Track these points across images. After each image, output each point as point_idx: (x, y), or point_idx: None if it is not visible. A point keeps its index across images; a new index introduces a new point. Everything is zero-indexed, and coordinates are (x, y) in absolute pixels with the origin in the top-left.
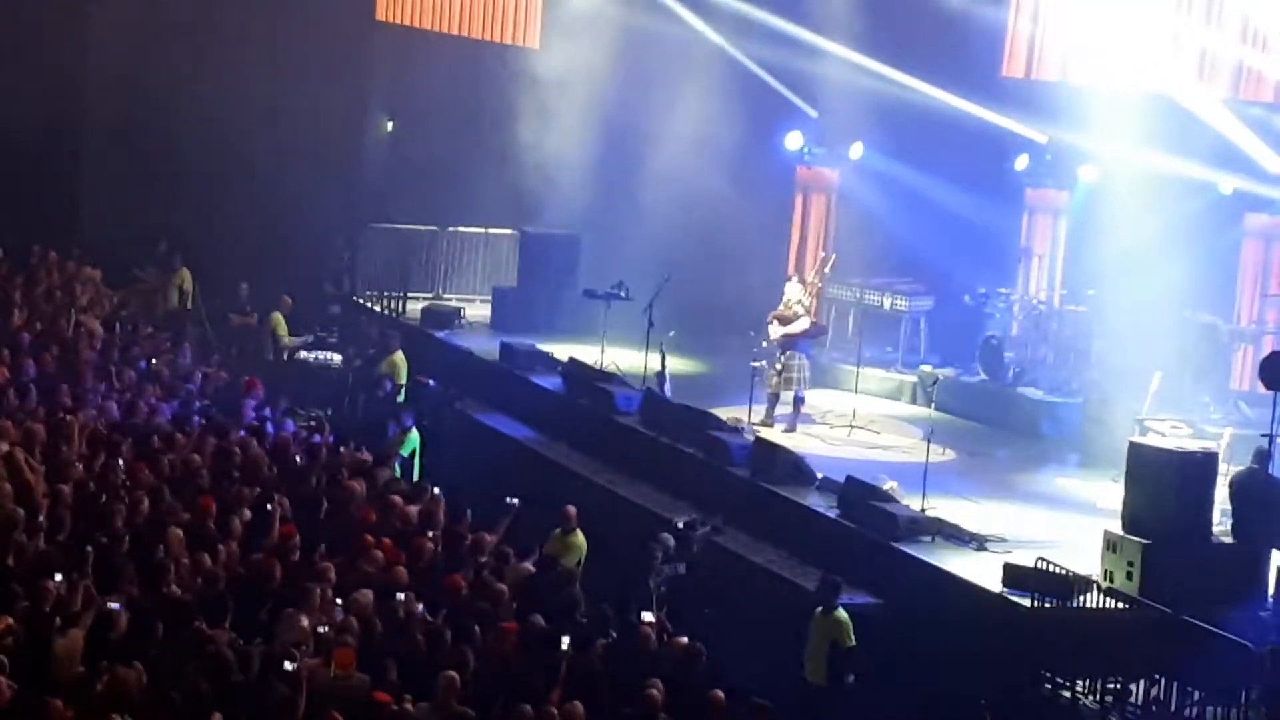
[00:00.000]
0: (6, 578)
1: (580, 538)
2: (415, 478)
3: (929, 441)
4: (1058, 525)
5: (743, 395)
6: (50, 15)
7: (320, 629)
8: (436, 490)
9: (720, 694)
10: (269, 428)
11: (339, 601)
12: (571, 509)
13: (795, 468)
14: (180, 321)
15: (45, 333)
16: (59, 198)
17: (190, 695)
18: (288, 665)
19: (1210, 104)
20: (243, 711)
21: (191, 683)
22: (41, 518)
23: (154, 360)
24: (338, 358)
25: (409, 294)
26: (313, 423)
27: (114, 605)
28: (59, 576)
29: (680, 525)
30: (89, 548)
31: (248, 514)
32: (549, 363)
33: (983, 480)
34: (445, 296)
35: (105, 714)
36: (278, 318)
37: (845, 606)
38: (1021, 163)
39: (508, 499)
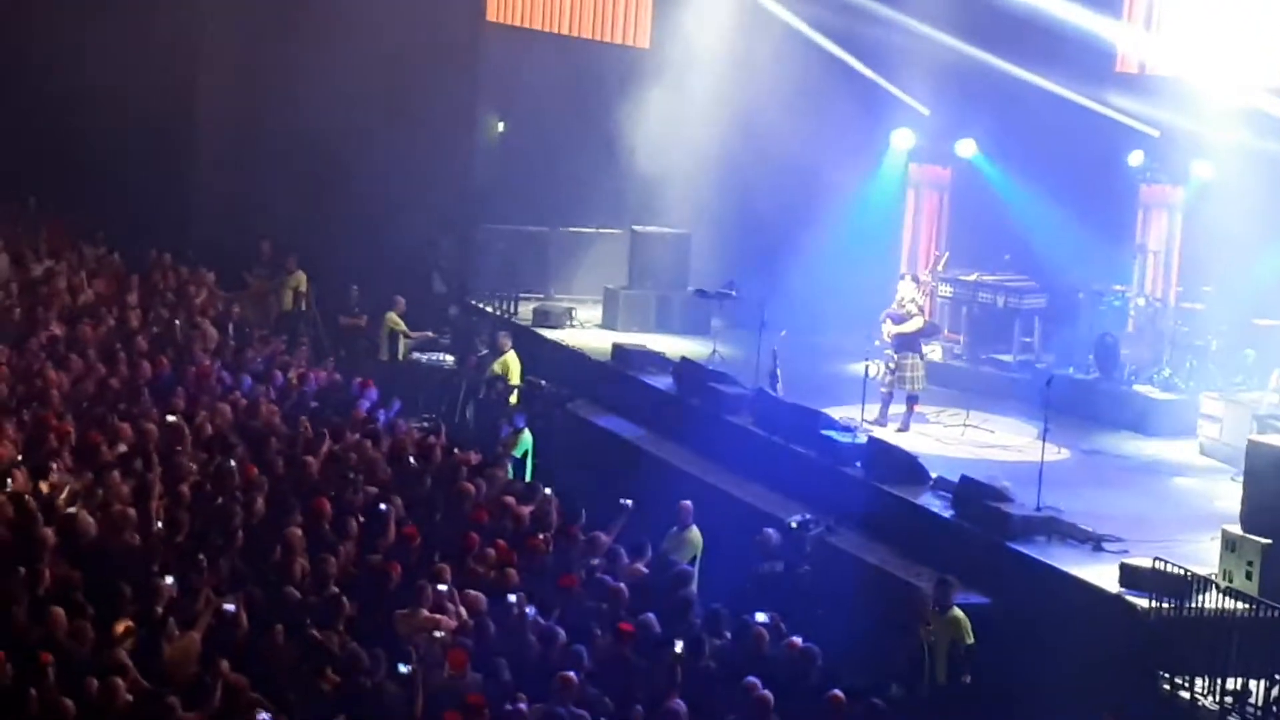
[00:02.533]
0: (123, 579)
1: (696, 533)
2: (528, 478)
3: (1044, 440)
4: (1175, 524)
5: (855, 394)
6: (164, 17)
7: (436, 631)
8: (549, 491)
9: (840, 694)
10: (383, 429)
11: (452, 603)
12: (687, 504)
13: (909, 467)
14: (294, 324)
15: (161, 335)
16: (172, 201)
17: (306, 697)
18: (403, 668)
19: None
20: (359, 714)
21: (307, 685)
22: (158, 519)
23: (269, 362)
24: (450, 359)
25: (520, 294)
26: (426, 424)
27: (229, 607)
28: (169, 579)
29: (793, 525)
30: (206, 549)
31: (364, 516)
32: (660, 363)
33: (1099, 479)
34: (556, 297)
35: (223, 715)
36: (394, 317)
37: (960, 606)
38: (1136, 159)
39: (621, 500)
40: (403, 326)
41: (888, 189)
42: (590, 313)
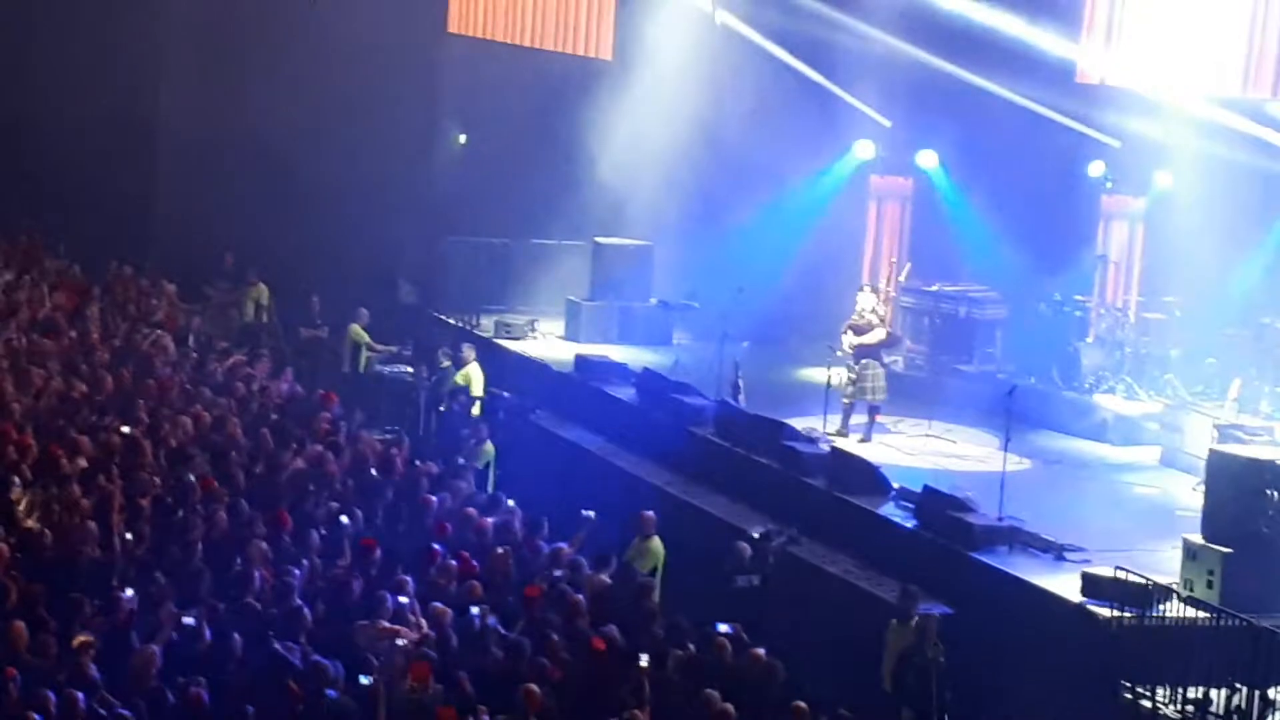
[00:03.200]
0: (83, 592)
1: (658, 544)
2: (490, 490)
3: (1006, 450)
4: (1137, 534)
5: (817, 405)
6: (124, 30)
7: (400, 642)
8: (511, 502)
9: (803, 705)
10: (345, 441)
11: (413, 615)
12: (649, 514)
13: (871, 477)
14: (255, 336)
15: (122, 348)
16: (132, 213)
17: (268, 710)
18: (364, 680)
19: None
20: None
21: (269, 698)
22: (119, 532)
23: (231, 374)
24: (412, 370)
25: (482, 306)
26: (389, 436)
27: (189, 620)
28: (129, 592)
29: (756, 536)
30: (166, 562)
31: (324, 528)
32: (623, 374)
33: (1060, 489)
34: (519, 308)
35: None
36: (358, 329)
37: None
38: (1096, 169)
39: (583, 511)
40: (366, 339)
41: (849, 199)
42: (553, 324)
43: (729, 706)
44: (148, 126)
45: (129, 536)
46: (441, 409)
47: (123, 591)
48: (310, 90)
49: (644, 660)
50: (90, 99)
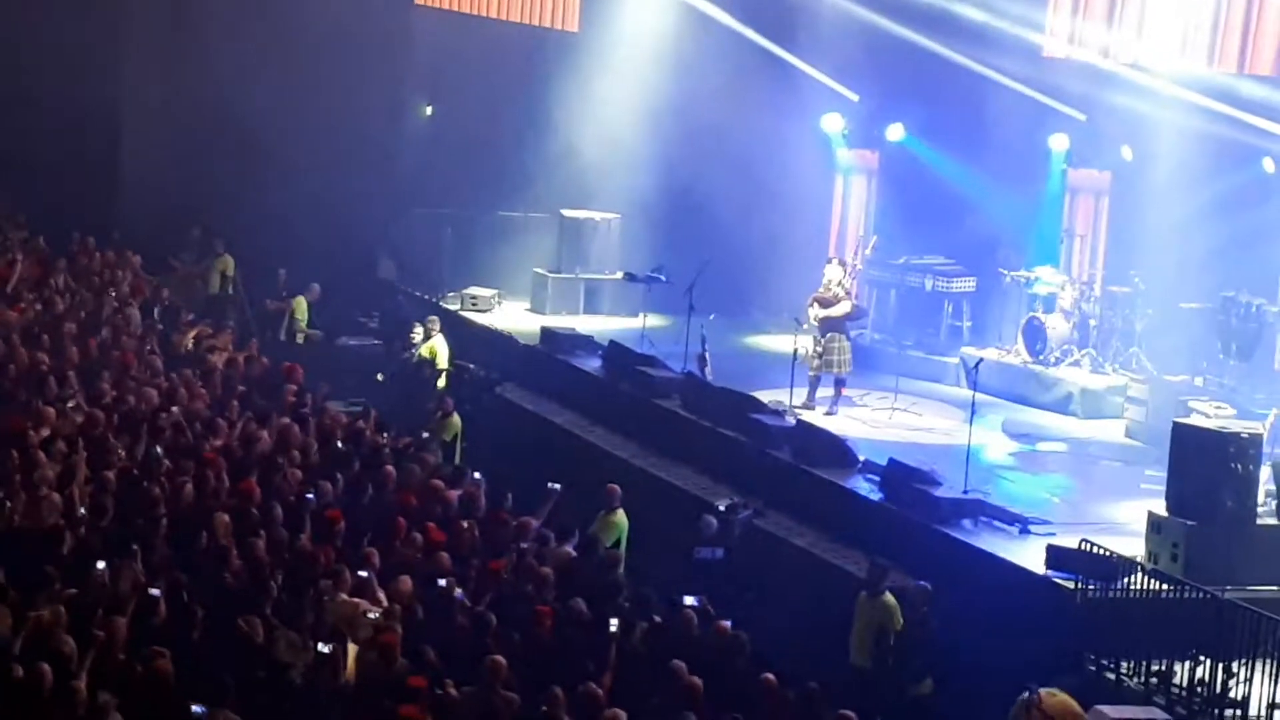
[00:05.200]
0: (50, 565)
1: (622, 516)
2: (456, 462)
3: (972, 423)
4: (1102, 506)
5: (784, 378)
6: (88, 2)
7: (370, 614)
8: (477, 475)
9: (771, 677)
10: (310, 413)
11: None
12: (614, 487)
13: (837, 450)
14: (221, 307)
15: (87, 319)
16: (96, 185)
17: (230, 681)
18: (323, 648)
19: (1251, 82)
20: (282, 696)
21: (234, 670)
22: (84, 504)
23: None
24: (380, 342)
25: (449, 278)
26: (355, 408)
27: (154, 591)
28: (102, 564)
29: (722, 509)
30: (132, 534)
31: (291, 500)
32: (589, 346)
33: (1026, 461)
34: (485, 280)
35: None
36: (300, 302)
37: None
38: (1060, 143)
39: (549, 484)
40: (305, 314)
41: (816, 172)
42: (519, 296)
43: (696, 680)
44: (113, 97)
45: (93, 508)
46: (408, 381)
47: (94, 564)
48: (277, 61)
49: (613, 625)
50: (54, 70)
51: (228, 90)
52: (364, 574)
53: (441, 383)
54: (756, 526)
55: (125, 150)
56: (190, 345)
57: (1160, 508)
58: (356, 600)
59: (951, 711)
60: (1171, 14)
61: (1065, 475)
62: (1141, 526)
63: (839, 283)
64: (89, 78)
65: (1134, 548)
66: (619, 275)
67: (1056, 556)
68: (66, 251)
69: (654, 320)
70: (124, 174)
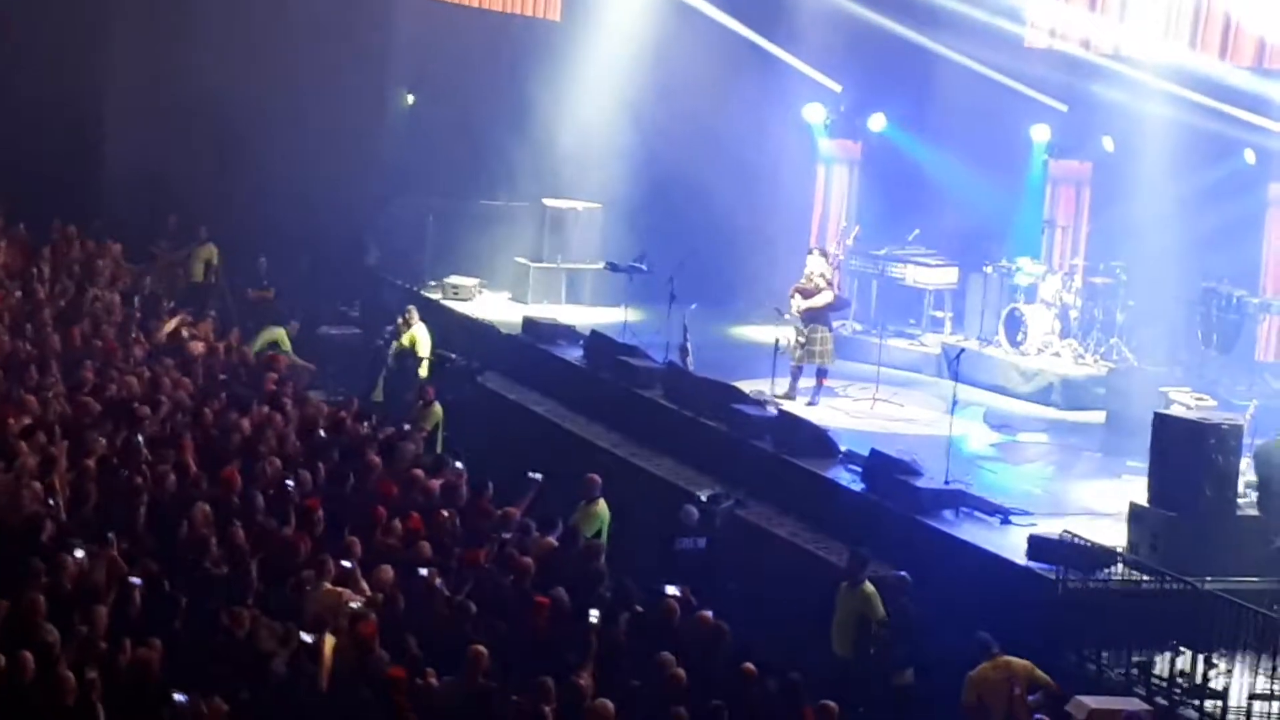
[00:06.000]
0: (29, 552)
1: (603, 507)
2: (438, 452)
3: (953, 413)
4: (1083, 497)
5: (765, 368)
6: None
7: (352, 603)
8: (459, 464)
9: (753, 667)
10: (291, 402)
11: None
12: (595, 477)
13: (818, 441)
14: (202, 296)
15: (69, 308)
16: (77, 173)
17: (211, 671)
18: (305, 638)
19: (1233, 73)
20: (264, 685)
21: (215, 658)
22: (63, 492)
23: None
24: (360, 332)
25: (431, 267)
26: (338, 398)
27: (134, 580)
28: (80, 552)
29: (703, 499)
30: (111, 522)
31: (271, 489)
32: (571, 336)
33: (1007, 452)
34: (468, 269)
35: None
36: (281, 334)
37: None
38: (1041, 133)
39: (530, 474)
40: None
41: (798, 162)
42: (501, 285)
43: (681, 672)
44: (94, 85)
45: (74, 497)
46: (389, 371)
47: (70, 552)
48: (259, 50)
49: (593, 616)
50: (35, 58)
51: (209, 78)
52: (347, 564)
53: (423, 372)
54: (738, 517)
55: (107, 138)
56: (166, 337)
57: (1141, 499)
58: (340, 589)
59: (933, 701)
60: (1152, 3)
61: (1046, 466)
62: (1122, 517)
63: (821, 273)
64: (71, 66)
65: (1115, 538)
66: (601, 265)
67: (1038, 547)
68: (48, 240)
69: (635, 312)
70: (106, 162)
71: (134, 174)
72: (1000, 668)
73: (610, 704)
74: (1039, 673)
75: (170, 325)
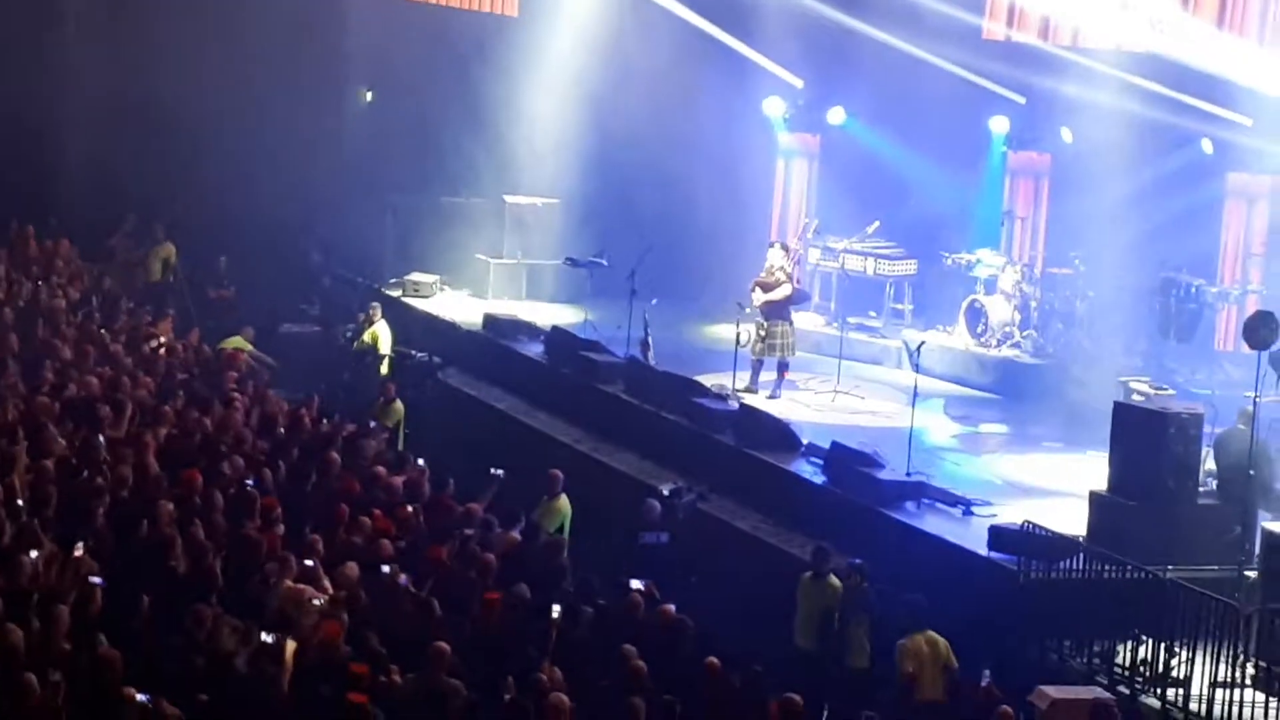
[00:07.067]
0: None
1: (564, 502)
2: (399, 448)
3: (914, 406)
4: (1044, 488)
5: (726, 362)
6: None
7: (315, 601)
8: (420, 461)
9: (715, 660)
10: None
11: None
12: (557, 473)
13: (780, 434)
14: (161, 295)
15: (27, 307)
16: (35, 172)
17: (176, 672)
18: (266, 637)
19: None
20: (225, 685)
21: (176, 659)
22: (23, 493)
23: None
24: (320, 330)
25: (391, 264)
26: (299, 395)
27: (96, 580)
28: (34, 553)
29: (666, 493)
30: (73, 523)
31: (232, 488)
32: (532, 331)
33: (968, 443)
34: (428, 266)
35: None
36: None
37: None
38: (1000, 125)
39: (492, 470)
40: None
41: (758, 156)
42: (462, 282)
43: (642, 664)
44: (50, 84)
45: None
46: (350, 368)
47: (26, 554)
48: (215, 47)
49: (555, 612)
50: None
51: (166, 77)
52: (309, 562)
53: (384, 369)
54: (700, 510)
55: (63, 137)
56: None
57: (1102, 488)
58: (302, 587)
59: (889, 685)
60: None
61: (1007, 456)
62: (1083, 507)
63: (780, 267)
64: (25, 63)
65: (1076, 528)
66: (561, 261)
67: (999, 537)
68: (4, 240)
69: (595, 308)
70: (62, 161)
71: (90, 174)
72: (931, 642)
73: (567, 699)
74: (952, 655)
75: (161, 338)
